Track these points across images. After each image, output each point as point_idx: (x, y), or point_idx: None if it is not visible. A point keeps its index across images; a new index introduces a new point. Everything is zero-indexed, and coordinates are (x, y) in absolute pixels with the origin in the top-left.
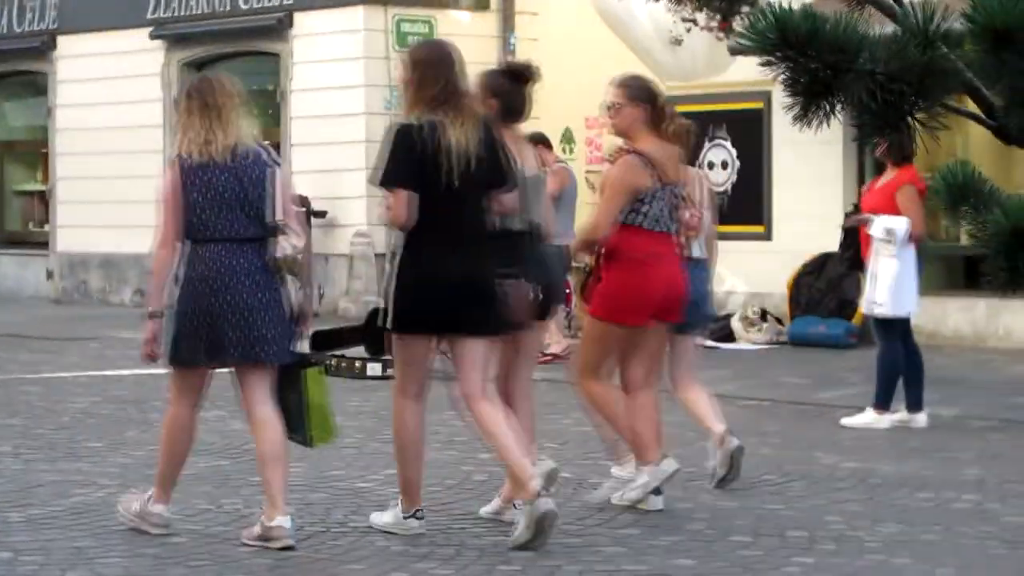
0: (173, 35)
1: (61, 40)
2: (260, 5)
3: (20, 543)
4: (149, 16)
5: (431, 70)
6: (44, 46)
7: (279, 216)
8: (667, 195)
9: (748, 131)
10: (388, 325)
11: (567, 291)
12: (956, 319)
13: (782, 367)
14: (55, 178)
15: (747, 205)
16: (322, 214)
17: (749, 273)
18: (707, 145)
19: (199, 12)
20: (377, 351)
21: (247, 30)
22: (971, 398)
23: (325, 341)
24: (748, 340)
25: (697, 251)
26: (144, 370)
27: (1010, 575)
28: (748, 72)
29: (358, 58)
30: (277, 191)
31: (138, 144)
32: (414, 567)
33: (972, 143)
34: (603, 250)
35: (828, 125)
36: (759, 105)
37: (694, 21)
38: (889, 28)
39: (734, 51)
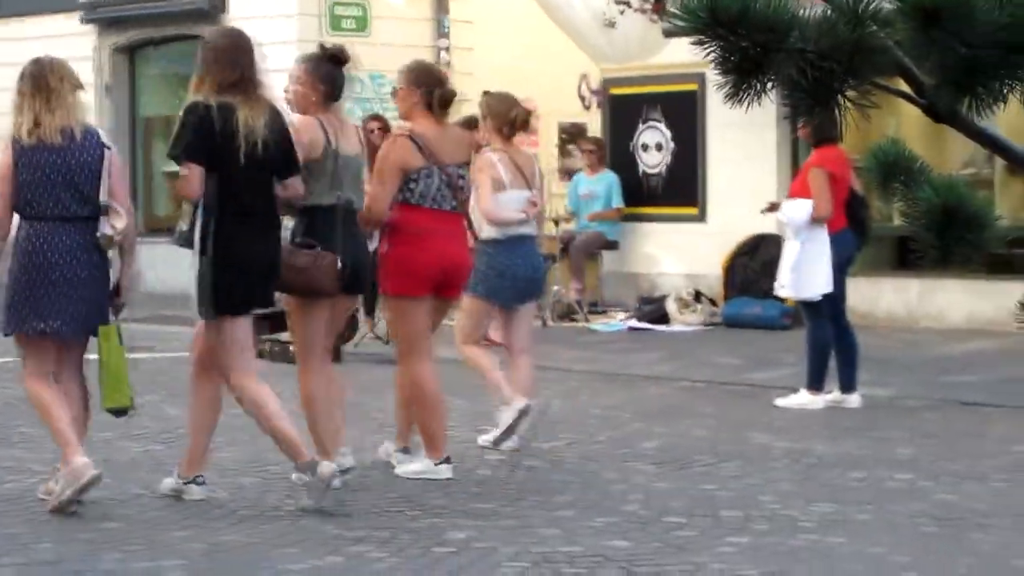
0: (105, 19)
1: None
2: None
3: None
4: (80, 0)
5: (227, 56)
6: None
7: (104, 198)
8: (439, 175)
9: (682, 113)
10: (203, 313)
11: None
12: (889, 299)
13: (716, 348)
14: None
15: (681, 187)
16: None
17: (683, 255)
18: (641, 127)
19: None
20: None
21: (181, 14)
22: (904, 378)
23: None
24: (682, 322)
25: (529, 229)
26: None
27: (942, 553)
28: (682, 54)
29: (292, 42)
30: (105, 173)
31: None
32: (349, 550)
33: (903, 122)
34: (386, 228)
35: (760, 104)
36: (693, 87)
37: (627, 3)
38: (820, 8)
39: (668, 33)
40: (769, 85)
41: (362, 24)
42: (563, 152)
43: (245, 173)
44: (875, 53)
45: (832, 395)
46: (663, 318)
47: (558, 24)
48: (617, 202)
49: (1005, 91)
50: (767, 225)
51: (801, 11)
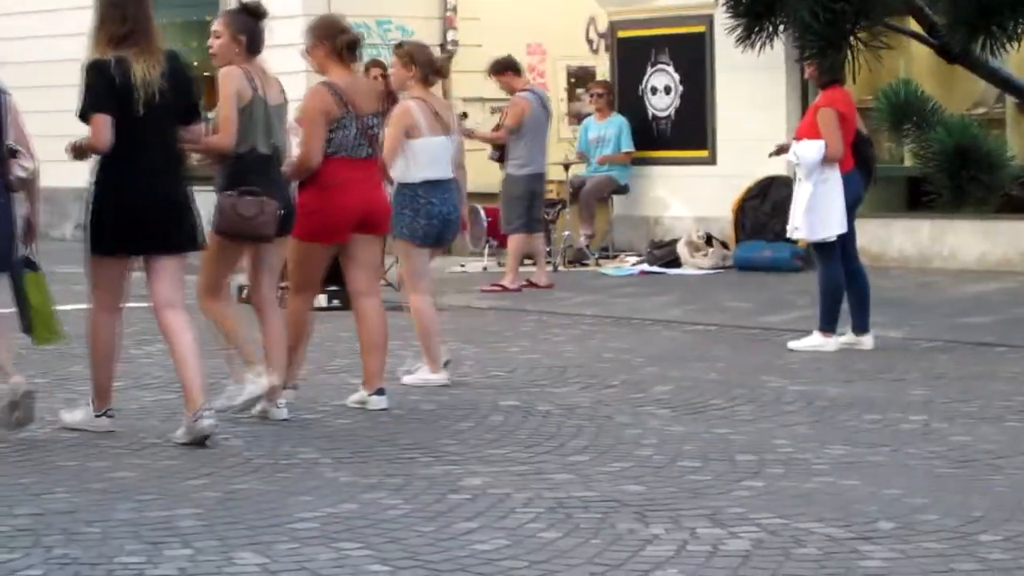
0: None
1: None
2: None
3: None
4: None
5: (118, 10)
6: None
7: (10, 140)
8: (356, 123)
9: (691, 56)
10: (88, 247)
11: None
12: (901, 241)
13: (728, 292)
14: None
15: (691, 130)
16: None
17: (694, 198)
18: (649, 70)
19: None
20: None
21: None
22: (917, 319)
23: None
24: (693, 265)
25: (444, 173)
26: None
27: (956, 494)
28: None
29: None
30: (8, 117)
31: (77, 78)
32: (363, 497)
33: (915, 63)
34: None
35: (771, 46)
36: (701, 29)
37: None
38: None
39: None
40: (781, 27)
41: None
42: (572, 96)
43: (143, 122)
44: None
45: (845, 337)
46: (674, 262)
47: None
48: (627, 146)
49: (1019, 30)
50: (777, 167)
51: None
